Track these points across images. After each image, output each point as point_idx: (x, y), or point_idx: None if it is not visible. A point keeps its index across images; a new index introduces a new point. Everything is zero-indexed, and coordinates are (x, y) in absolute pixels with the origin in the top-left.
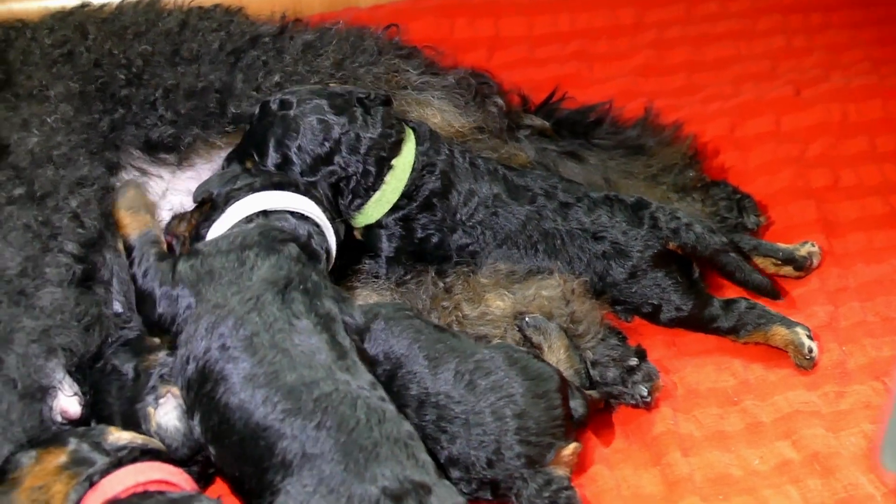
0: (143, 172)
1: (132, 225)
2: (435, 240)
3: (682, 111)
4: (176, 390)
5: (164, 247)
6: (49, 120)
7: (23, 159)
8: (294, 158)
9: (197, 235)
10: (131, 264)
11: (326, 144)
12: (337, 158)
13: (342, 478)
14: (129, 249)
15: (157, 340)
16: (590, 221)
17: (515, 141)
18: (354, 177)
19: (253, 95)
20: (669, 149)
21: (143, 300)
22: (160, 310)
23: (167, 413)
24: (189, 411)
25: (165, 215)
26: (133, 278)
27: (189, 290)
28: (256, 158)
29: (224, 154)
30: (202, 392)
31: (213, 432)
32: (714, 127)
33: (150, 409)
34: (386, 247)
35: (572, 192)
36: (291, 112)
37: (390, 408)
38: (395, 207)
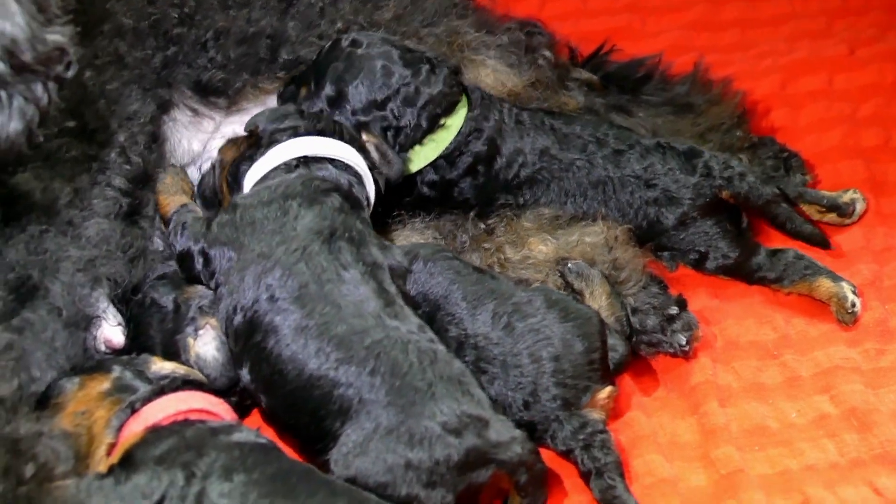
0: (195, 112)
1: (170, 204)
2: (473, 202)
3: (733, 67)
4: (215, 322)
5: (200, 215)
6: (101, 54)
7: (74, 93)
8: (349, 95)
9: (237, 171)
10: (168, 234)
11: (384, 90)
12: (391, 105)
13: (400, 418)
14: (166, 223)
15: None
16: (642, 168)
17: (566, 90)
18: (404, 129)
19: (306, 42)
20: (718, 107)
21: (182, 259)
22: (198, 267)
23: (206, 343)
24: (237, 361)
25: (217, 143)
26: (171, 245)
27: (228, 246)
28: (312, 87)
29: (274, 98)
30: (251, 343)
31: (264, 383)
32: (765, 84)
33: (190, 340)
34: (412, 206)
35: (624, 140)
36: (359, 51)
37: (440, 348)
38: (434, 170)
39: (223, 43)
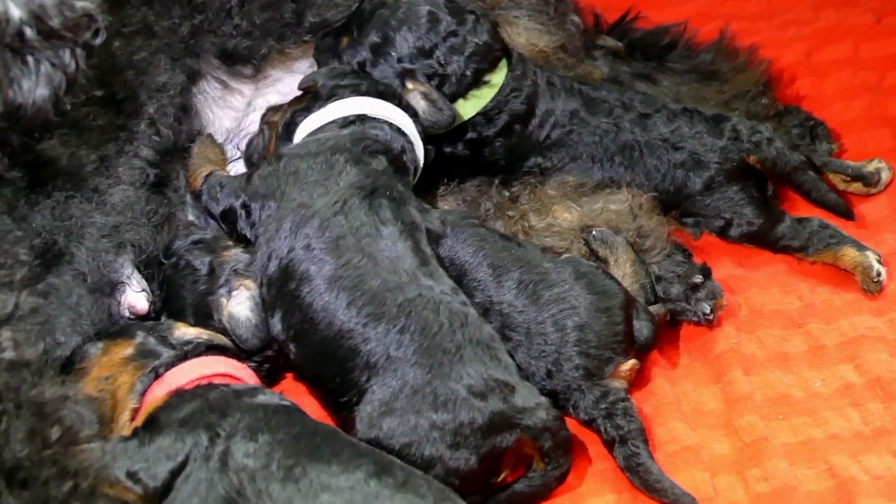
0: (225, 85)
1: (198, 176)
2: (503, 164)
3: (759, 35)
4: (250, 283)
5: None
6: (129, 23)
7: (102, 61)
8: (396, 42)
9: (292, 122)
10: (204, 200)
11: (431, 37)
12: (437, 54)
13: (427, 379)
14: (198, 196)
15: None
16: (669, 131)
17: (591, 59)
18: (450, 78)
19: (331, 4)
20: (743, 75)
21: (226, 217)
22: (241, 222)
23: (240, 303)
24: (269, 308)
25: (255, 117)
26: (208, 210)
27: (268, 197)
28: (355, 34)
29: (301, 64)
30: (284, 290)
31: (294, 331)
32: (790, 52)
33: (223, 300)
34: (442, 189)
35: (650, 104)
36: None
37: (472, 312)
38: (471, 127)
39: (248, 9)
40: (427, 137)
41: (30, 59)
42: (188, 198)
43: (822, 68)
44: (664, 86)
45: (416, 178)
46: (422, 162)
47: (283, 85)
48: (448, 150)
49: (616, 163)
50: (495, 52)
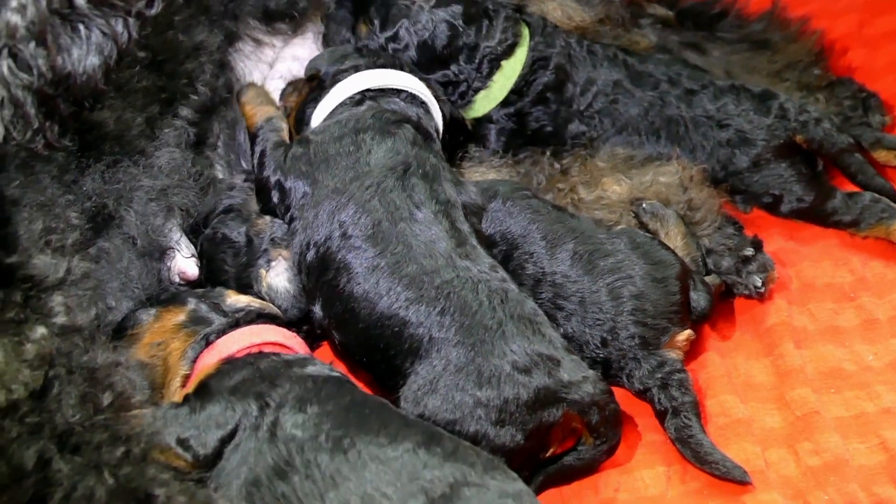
0: (258, 43)
1: (258, 114)
2: (549, 129)
3: (810, 6)
4: (287, 253)
5: (285, 135)
6: None
7: (146, 23)
8: (414, 53)
9: (302, 114)
10: (254, 153)
11: (449, 49)
12: (454, 67)
13: (470, 357)
14: (253, 138)
15: None
16: (715, 108)
17: (639, 27)
18: (465, 83)
19: None
20: (795, 45)
21: (261, 189)
22: (274, 199)
23: (278, 275)
24: (309, 296)
25: (275, 84)
26: (255, 166)
27: (302, 180)
28: (375, 27)
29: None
30: (323, 280)
31: (336, 320)
32: (842, 24)
33: (262, 271)
34: (494, 140)
35: (697, 79)
36: (426, 7)
37: (512, 287)
38: (506, 103)
39: None
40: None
41: (80, 26)
42: (220, 151)
43: (875, 40)
44: (714, 56)
45: (440, 138)
46: (441, 124)
47: (317, 38)
48: (494, 123)
49: (662, 137)
50: (507, 42)
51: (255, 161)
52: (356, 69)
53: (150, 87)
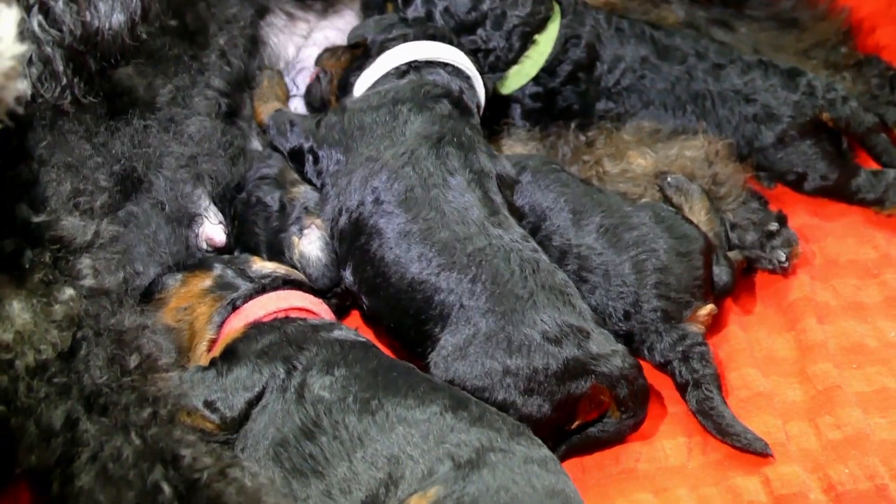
0: (290, 16)
1: (264, 111)
2: (577, 108)
3: None
4: (320, 222)
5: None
6: None
7: None
8: (437, 17)
9: (346, 82)
10: (271, 140)
11: (473, 14)
12: (480, 31)
13: (500, 325)
14: (265, 131)
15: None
16: (742, 83)
17: (667, 3)
18: (494, 52)
19: None
20: (823, 23)
21: (294, 156)
22: (307, 167)
23: (311, 243)
24: (341, 262)
25: (310, 52)
26: (276, 147)
27: (336, 148)
28: (400, 4)
29: None
30: (356, 245)
31: (367, 284)
32: (871, 2)
33: (295, 239)
34: (518, 118)
35: (724, 54)
36: None
37: (543, 258)
38: (535, 81)
39: None
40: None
41: None
42: (254, 125)
43: None
44: (741, 33)
45: (481, 113)
46: (483, 99)
47: (349, 14)
48: (520, 105)
49: (688, 111)
50: (540, 16)
51: (276, 139)
52: (404, 38)
53: (180, 56)
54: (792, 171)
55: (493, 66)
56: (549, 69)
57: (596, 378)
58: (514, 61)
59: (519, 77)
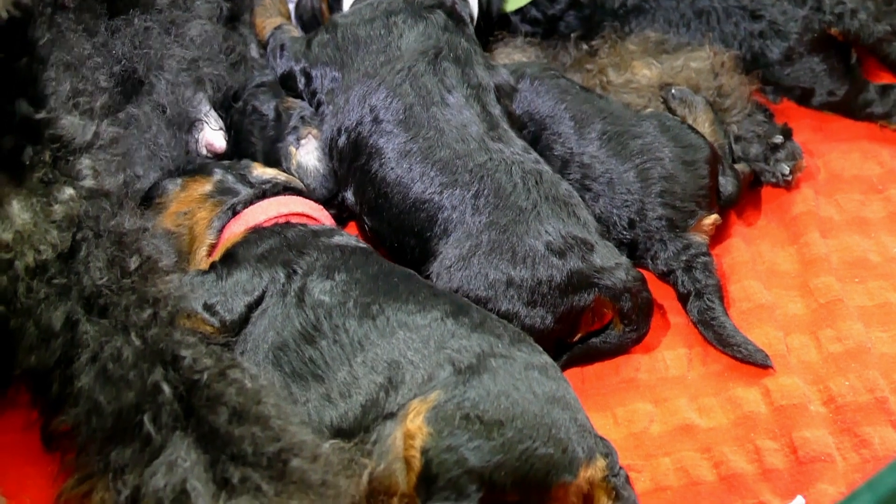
0: None
1: (266, 27)
2: (580, 34)
3: None
4: (316, 132)
5: (296, 34)
6: None
7: None
8: None
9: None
10: (268, 57)
11: None
12: None
13: (504, 236)
14: (264, 47)
15: None
16: None
17: None
18: None
19: None
20: None
21: (285, 80)
22: (300, 87)
23: (308, 153)
24: (342, 183)
25: None
26: (273, 67)
27: (331, 66)
28: None
29: None
30: (355, 165)
31: (369, 205)
32: None
33: (292, 149)
34: (520, 40)
35: None
36: None
37: (546, 169)
38: (535, 7)
39: None
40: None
41: None
42: (255, 32)
43: None
44: None
45: (474, 24)
46: (476, 11)
47: None
48: (521, 32)
49: (693, 28)
50: None
51: (271, 60)
52: None
53: None
54: (799, 87)
55: None
56: None
57: (599, 291)
58: None
59: None
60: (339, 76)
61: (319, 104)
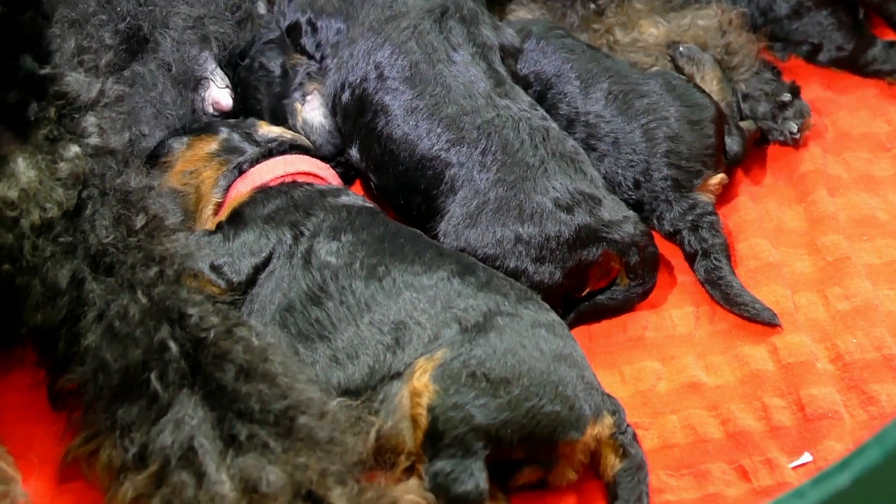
0: None
1: None
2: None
3: None
4: (323, 88)
5: None
6: None
7: None
8: None
9: None
10: (275, 8)
11: None
12: None
13: (512, 193)
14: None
15: None
16: None
17: None
18: None
19: None
20: None
21: (290, 31)
22: (305, 40)
23: (314, 109)
24: (346, 140)
25: None
26: (279, 19)
27: (336, 17)
28: None
29: None
30: (361, 122)
31: (375, 162)
32: None
33: (298, 105)
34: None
35: None
36: None
37: (553, 125)
38: None
39: None
40: None
41: None
42: None
43: None
44: None
45: None
46: None
47: None
48: None
49: None
50: None
51: (277, 9)
52: None
53: None
54: (807, 42)
55: None
56: None
57: (607, 245)
58: None
59: None
60: (343, 28)
61: (324, 58)
